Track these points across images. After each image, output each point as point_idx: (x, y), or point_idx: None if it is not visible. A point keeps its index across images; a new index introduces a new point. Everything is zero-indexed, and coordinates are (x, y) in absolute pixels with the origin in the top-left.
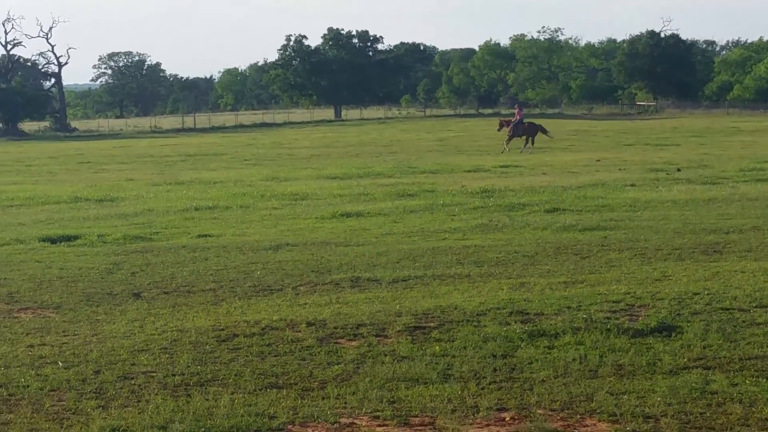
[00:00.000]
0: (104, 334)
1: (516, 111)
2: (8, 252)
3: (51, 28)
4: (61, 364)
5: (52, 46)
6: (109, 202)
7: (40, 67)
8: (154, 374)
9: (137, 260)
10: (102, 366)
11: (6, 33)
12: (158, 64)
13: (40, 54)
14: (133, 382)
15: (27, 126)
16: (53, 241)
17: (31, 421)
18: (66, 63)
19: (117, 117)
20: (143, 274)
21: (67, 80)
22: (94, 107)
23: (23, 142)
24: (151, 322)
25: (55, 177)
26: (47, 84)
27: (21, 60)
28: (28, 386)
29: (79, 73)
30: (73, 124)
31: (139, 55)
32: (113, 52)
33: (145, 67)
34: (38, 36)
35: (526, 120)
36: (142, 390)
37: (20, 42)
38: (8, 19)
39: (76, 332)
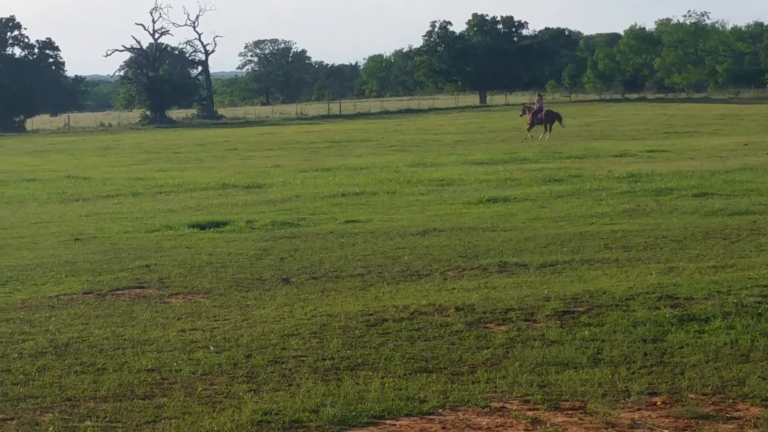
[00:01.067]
0: (254, 319)
1: (536, 100)
2: (159, 238)
3: (198, 17)
4: (212, 348)
5: (199, 35)
6: (256, 188)
7: (187, 55)
8: (305, 358)
9: (286, 246)
10: (253, 350)
11: (154, 22)
12: (303, 52)
13: (187, 42)
14: (283, 366)
15: (175, 114)
16: (202, 227)
17: (184, 404)
18: (213, 51)
19: (263, 104)
20: (292, 259)
21: (213, 68)
22: (241, 95)
23: (171, 130)
24: (300, 307)
25: (203, 164)
26: (194, 72)
27: (168, 49)
28: (180, 370)
29: (226, 61)
30: (220, 111)
31: (284, 42)
32: (259, 40)
33: (290, 55)
34: (185, 24)
35: (545, 108)
36: (293, 374)
37: (168, 31)
38: (156, 8)
39: (226, 317)
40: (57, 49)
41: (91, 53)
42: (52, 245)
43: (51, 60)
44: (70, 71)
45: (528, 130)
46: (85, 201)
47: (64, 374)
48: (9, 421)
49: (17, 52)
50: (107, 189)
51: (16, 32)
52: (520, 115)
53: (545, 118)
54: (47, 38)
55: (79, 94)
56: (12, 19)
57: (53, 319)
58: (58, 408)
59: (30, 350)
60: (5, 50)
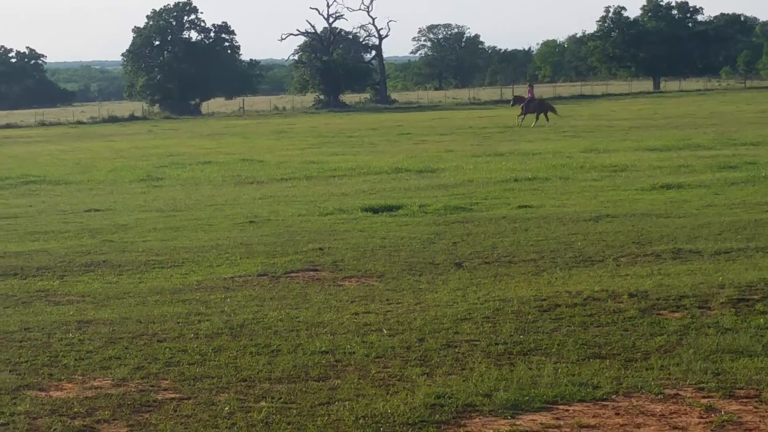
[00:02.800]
0: (427, 303)
1: (528, 89)
2: (332, 221)
3: (372, 1)
4: (385, 331)
5: (373, 19)
6: (429, 173)
7: (360, 39)
8: (477, 343)
9: (458, 230)
10: (426, 334)
11: (328, 6)
12: (477, 36)
13: (361, 27)
14: (456, 350)
15: (348, 98)
16: (375, 211)
17: (357, 386)
18: (386, 35)
19: (436, 89)
20: (464, 244)
21: (387, 52)
22: (414, 79)
23: (344, 114)
24: (473, 291)
25: (376, 148)
26: (368, 56)
27: (342, 33)
28: (354, 353)
29: (399, 46)
30: (393, 95)
31: (458, 27)
32: (432, 25)
33: (463, 40)
34: (359, 9)
35: (537, 98)
36: (466, 358)
37: (342, 15)
38: None
39: (399, 300)
40: (232, 33)
41: (266, 37)
42: (227, 227)
43: (226, 44)
44: (245, 55)
45: (520, 117)
46: (260, 184)
47: (240, 355)
48: (186, 401)
49: (194, 36)
50: (281, 172)
51: (192, 16)
52: (511, 105)
53: (537, 108)
54: (223, 22)
55: (253, 77)
56: (189, 3)
57: (228, 300)
58: (233, 388)
59: (206, 331)
60: (182, 34)
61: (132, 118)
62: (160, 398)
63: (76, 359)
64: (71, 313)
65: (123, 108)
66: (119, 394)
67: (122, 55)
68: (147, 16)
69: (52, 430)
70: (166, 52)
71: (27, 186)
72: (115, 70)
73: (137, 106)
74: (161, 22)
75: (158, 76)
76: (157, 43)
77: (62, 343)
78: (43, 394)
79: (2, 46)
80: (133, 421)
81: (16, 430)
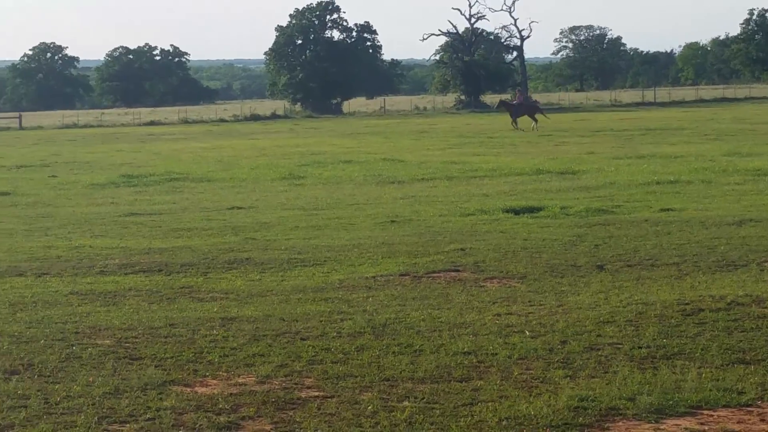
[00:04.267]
0: (569, 305)
1: (517, 94)
2: (473, 222)
3: (514, 2)
4: (528, 333)
5: (515, 20)
6: (570, 174)
7: (502, 40)
8: (620, 346)
9: (600, 233)
10: (568, 336)
11: (470, 6)
12: (619, 38)
13: (503, 27)
14: (599, 353)
15: (489, 98)
16: (516, 212)
17: (500, 388)
18: (528, 36)
19: (577, 90)
20: (606, 246)
21: (528, 53)
22: (555, 80)
23: (485, 115)
24: (615, 294)
25: (517, 149)
26: (509, 57)
27: (484, 34)
28: (496, 354)
29: (540, 47)
30: (534, 96)
31: (600, 29)
32: (574, 26)
33: (605, 41)
34: (501, 10)
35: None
36: (609, 361)
37: (484, 15)
38: None
39: (541, 302)
40: (374, 32)
41: (408, 37)
42: (368, 227)
43: (368, 43)
44: (387, 55)
45: (514, 122)
46: (401, 184)
47: (382, 354)
48: (329, 399)
49: (336, 35)
50: (422, 172)
51: (335, 15)
52: (496, 108)
53: (528, 110)
54: (365, 22)
55: (395, 77)
56: (332, 2)
57: (370, 299)
58: (376, 387)
59: (348, 330)
60: (324, 33)
61: (274, 116)
62: (303, 396)
63: (220, 356)
64: (215, 309)
65: (265, 106)
66: (263, 391)
67: (265, 53)
68: (290, 15)
69: (197, 425)
70: (308, 51)
71: (170, 183)
72: (257, 68)
73: (279, 105)
74: (304, 21)
75: (300, 75)
76: (300, 42)
77: (207, 340)
78: (189, 389)
79: (147, 44)
80: (277, 419)
81: (162, 425)
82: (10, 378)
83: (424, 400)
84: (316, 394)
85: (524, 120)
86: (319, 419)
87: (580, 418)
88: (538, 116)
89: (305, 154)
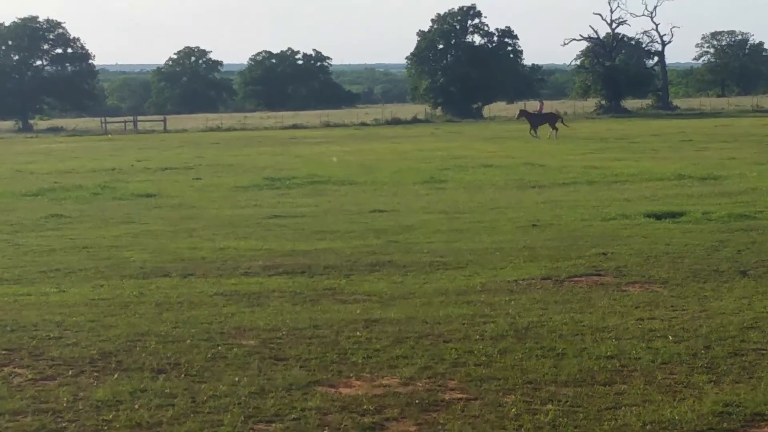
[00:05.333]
0: (712, 310)
1: (539, 104)
2: (615, 227)
3: (655, 7)
4: (671, 337)
5: (656, 25)
6: (711, 180)
7: (643, 45)
8: (765, 352)
9: (742, 238)
10: (712, 341)
11: (612, 12)
12: (761, 44)
13: (644, 32)
14: (743, 359)
15: (629, 103)
16: (658, 217)
17: (644, 392)
18: (669, 42)
19: (718, 96)
20: (749, 252)
21: (669, 59)
22: (696, 86)
23: (625, 120)
24: (759, 300)
25: (658, 154)
26: (650, 62)
27: (625, 39)
28: (639, 358)
29: (682, 52)
30: (675, 102)
31: (741, 34)
32: (716, 31)
33: (747, 47)
34: (642, 15)
35: (545, 111)
36: (754, 367)
37: (625, 21)
38: None
39: (684, 307)
40: (515, 37)
41: (549, 42)
42: (509, 230)
43: (509, 48)
44: (527, 59)
45: (534, 131)
46: (542, 188)
47: (525, 357)
48: (473, 401)
49: (477, 40)
50: (563, 177)
51: (476, 20)
52: (517, 118)
53: (547, 119)
54: (506, 27)
55: (535, 82)
56: (473, 7)
57: (513, 303)
58: (519, 390)
59: (491, 333)
60: (465, 38)
61: (415, 120)
62: (447, 398)
63: (364, 357)
64: (358, 311)
65: (406, 110)
66: (407, 392)
67: (406, 58)
68: (431, 20)
69: (342, 426)
70: (449, 56)
71: (313, 186)
72: (398, 72)
73: (420, 109)
74: (445, 26)
75: (441, 79)
76: (441, 46)
77: (350, 341)
78: (333, 390)
79: (289, 48)
80: (421, 420)
81: (307, 425)
82: (157, 377)
83: (568, 403)
84: (460, 396)
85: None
86: (462, 421)
87: (725, 424)
88: (558, 125)
89: (446, 158)
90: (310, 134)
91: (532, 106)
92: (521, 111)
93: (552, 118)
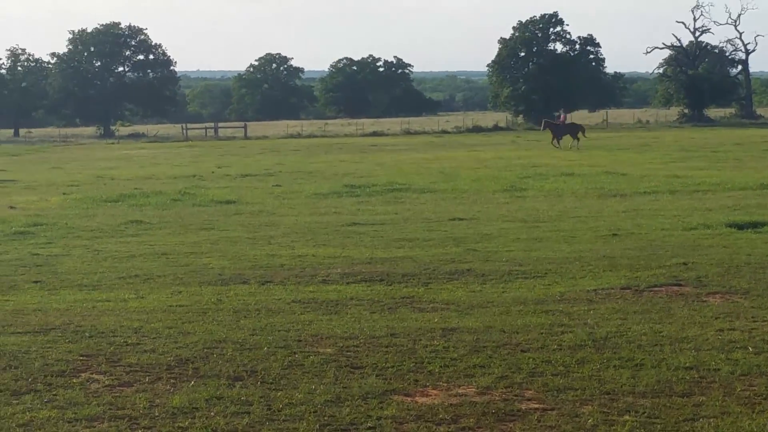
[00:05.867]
0: None
1: (561, 115)
2: (695, 236)
3: (739, 15)
4: (751, 349)
5: (740, 33)
6: None
7: (726, 54)
8: None
9: None
10: None
11: (695, 20)
12: None
13: (728, 41)
14: None
15: (712, 112)
16: (740, 227)
17: (722, 404)
18: (753, 50)
19: None
20: None
21: (753, 67)
22: None
23: (708, 129)
24: None
25: (741, 164)
26: (733, 71)
27: (708, 47)
28: (718, 369)
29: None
30: (758, 111)
31: None
32: None
33: None
34: (726, 23)
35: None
36: None
37: (708, 29)
38: (697, 7)
39: (765, 318)
40: (597, 45)
41: (631, 50)
42: (589, 239)
43: (591, 56)
44: (610, 68)
45: (556, 141)
46: (623, 197)
47: (603, 368)
48: (549, 411)
49: (559, 48)
50: (644, 186)
51: (558, 28)
52: (542, 130)
53: (569, 130)
54: (588, 35)
55: (617, 90)
56: (555, 15)
57: (591, 312)
58: (597, 401)
59: (569, 342)
60: (547, 46)
61: (496, 128)
62: (523, 408)
63: (441, 366)
64: (436, 320)
65: (487, 118)
66: (483, 402)
67: (487, 65)
68: (513, 28)
69: None
70: (531, 64)
71: (392, 193)
72: (479, 80)
73: (501, 117)
74: (527, 34)
75: (523, 87)
76: (523, 54)
77: (427, 350)
78: (409, 399)
79: (371, 56)
80: (497, 430)
81: None
82: (233, 384)
83: (645, 414)
84: (536, 406)
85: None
86: (539, 431)
87: None
88: (579, 135)
89: (527, 166)
90: (391, 142)
91: (614, 114)
92: (545, 122)
93: (574, 129)
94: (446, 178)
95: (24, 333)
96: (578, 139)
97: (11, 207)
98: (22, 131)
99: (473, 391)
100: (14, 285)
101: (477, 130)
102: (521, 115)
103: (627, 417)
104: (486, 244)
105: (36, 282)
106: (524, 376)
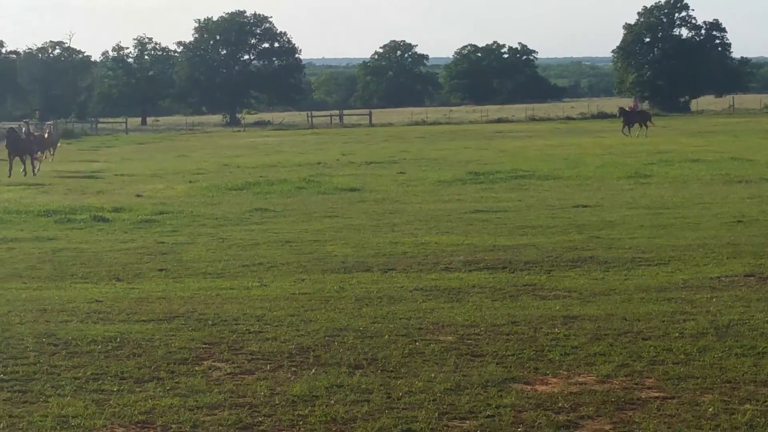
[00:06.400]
0: None
1: (633, 102)
2: None
3: None
4: None
5: None
6: None
7: None
8: None
9: None
10: None
11: None
12: None
13: None
14: None
15: None
16: None
17: None
18: None
19: None
20: None
21: None
22: None
23: None
24: None
25: None
26: None
27: None
28: None
29: None
30: None
31: None
32: None
33: None
34: None
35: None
36: None
37: None
38: None
39: None
40: (723, 30)
41: (759, 35)
42: (714, 226)
43: (717, 41)
44: (736, 53)
45: (626, 129)
46: (748, 183)
47: (725, 356)
48: (669, 400)
49: (684, 33)
50: None
51: (683, 13)
52: (618, 116)
53: (640, 117)
54: (714, 19)
55: (744, 75)
56: (679, 0)
57: (714, 300)
58: (717, 389)
59: (691, 330)
60: (672, 31)
61: None
62: (643, 396)
63: (561, 354)
64: (557, 308)
65: (612, 104)
66: (603, 390)
67: (612, 51)
68: (638, 13)
69: (536, 424)
70: (656, 49)
71: (516, 180)
72: (605, 66)
73: (626, 103)
74: (652, 19)
75: (648, 73)
76: (648, 39)
77: (548, 338)
78: (529, 387)
79: (495, 42)
80: (616, 419)
81: (501, 423)
82: (354, 372)
83: (766, 403)
84: (656, 394)
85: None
86: (658, 420)
87: None
88: (648, 123)
89: (652, 152)
90: (515, 128)
91: (741, 100)
92: (620, 109)
93: (644, 117)
94: (570, 164)
95: (148, 321)
96: (647, 127)
97: (138, 195)
98: (150, 120)
99: (593, 380)
100: (139, 273)
101: (602, 116)
102: (646, 101)
103: (748, 406)
104: (609, 232)
105: (161, 270)
106: (645, 365)
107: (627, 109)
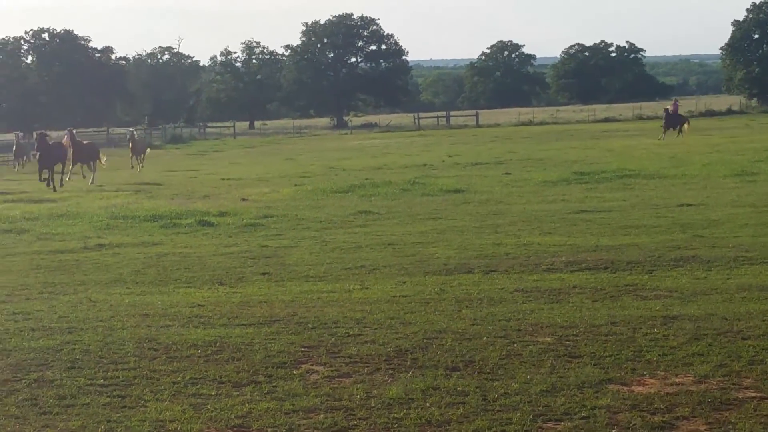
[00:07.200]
0: None
1: (672, 104)
2: None
3: None
4: None
5: None
6: None
7: None
8: None
9: None
10: None
11: None
12: None
13: None
14: None
15: None
16: None
17: None
18: None
19: None
20: None
21: None
22: None
23: None
24: None
25: None
26: None
27: None
28: None
29: None
30: None
31: None
32: None
33: None
34: None
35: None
36: None
37: None
38: None
39: None
40: None
41: None
42: None
43: None
44: None
45: (665, 130)
46: None
47: None
48: (767, 400)
49: None
50: None
51: None
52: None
53: (680, 121)
54: None
55: None
56: None
57: None
58: None
59: None
60: None
61: (729, 111)
62: (740, 396)
63: (659, 354)
64: (657, 308)
65: (720, 102)
66: (700, 391)
67: (720, 48)
68: (746, 10)
69: (631, 425)
70: (765, 46)
71: (622, 180)
72: (713, 63)
73: (735, 100)
74: (761, 16)
75: (757, 70)
76: (757, 36)
77: (647, 338)
78: (625, 388)
79: (602, 41)
80: (712, 419)
81: (596, 424)
82: (450, 374)
83: None
84: (754, 394)
85: None
86: (754, 420)
87: None
88: (684, 128)
89: (760, 150)
90: (622, 127)
91: None
92: (666, 110)
93: (682, 120)
94: (676, 163)
95: (248, 325)
96: (682, 132)
97: (243, 199)
98: (257, 123)
99: (690, 380)
100: (242, 277)
101: (710, 114)
102: (755, 98)
103: None
104: (713, 230)
105: (263, 274)
106: (743, 364)
107: (670, 111)
